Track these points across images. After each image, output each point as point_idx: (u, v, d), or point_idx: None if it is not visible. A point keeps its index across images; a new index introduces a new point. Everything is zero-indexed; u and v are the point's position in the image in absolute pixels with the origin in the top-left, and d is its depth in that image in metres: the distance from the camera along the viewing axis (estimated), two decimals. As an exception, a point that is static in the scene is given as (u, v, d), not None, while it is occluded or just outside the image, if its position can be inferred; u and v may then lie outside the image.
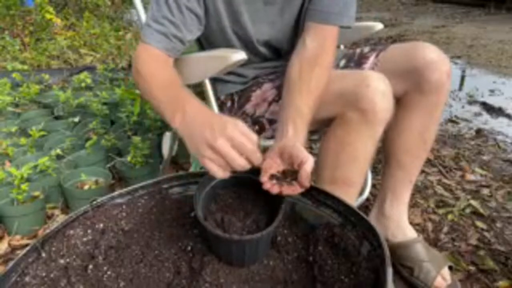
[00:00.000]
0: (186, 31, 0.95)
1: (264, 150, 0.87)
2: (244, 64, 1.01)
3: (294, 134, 0.84)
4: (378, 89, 0.88)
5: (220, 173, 0.66)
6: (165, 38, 0.92)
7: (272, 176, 0.77)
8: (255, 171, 0.80)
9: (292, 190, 0.74)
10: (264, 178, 0.75)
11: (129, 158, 1.61)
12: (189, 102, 0.77)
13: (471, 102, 2.74)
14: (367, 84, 0.88)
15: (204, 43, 1.13)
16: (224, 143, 0.65)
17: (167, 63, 0.94)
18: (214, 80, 1.14)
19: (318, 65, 0.94)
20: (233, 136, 0.65)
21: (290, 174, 0.78)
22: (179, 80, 0.87)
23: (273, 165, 0.80)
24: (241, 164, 0.66)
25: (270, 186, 0.74)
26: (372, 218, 1.23)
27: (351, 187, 0.98)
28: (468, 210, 1.50)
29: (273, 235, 0.79)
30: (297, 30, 1.08)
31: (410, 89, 1.06)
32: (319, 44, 0.97)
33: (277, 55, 1.15)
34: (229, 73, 1.12)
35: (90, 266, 0.73)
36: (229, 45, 1.07)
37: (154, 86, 0.86)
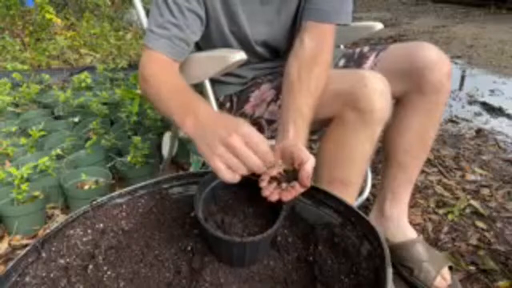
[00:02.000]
0: (190, 33, 0.95)
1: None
2: (242, 65, 1.01)
3: (295, 134, 0.84)
4: (375, 89, 0.88)
5: (228, 175, 0.63)
6: (170, 42, 0.92)
7: (272, 178, 0.77)
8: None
9: (291, 194, 0.73)
10: (263, 184, 0.74)
11: (129, 158, 1.61)
12: (200, 106, 0.75)
13: (471, 102, 2.74)
14: (365, 84, 0.88)
15: (201, 44, 1.13)
16: (239, 139, 0.62)
17: (173, 69, 0.93)
18: (213, 82, 1.14)
19: (317, 65, 0.94)
20: (248, 133, 0.63)
21: (291, 173, 0.78)
22: (187, 86, 0.86)
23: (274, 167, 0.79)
24: (257, 163, 0.62)
25: (269, 193, 0.73)
26: (372, 218, 1.23)
27: (349, 187, 0.98)
28: (468, 210, 1.50)
29: (274, 235, 0.79)
30: (294, 30, 1.08)
31: (410, 89, 1.06)
32: (317, 43, 0.97)
33: (275, 55, 1.15)
34: (228, 74, 1.12)
35: (90, 266, 0.73)
36: (227, 45, 1.07)
37: (163, 92, 0.85)
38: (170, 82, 0.88)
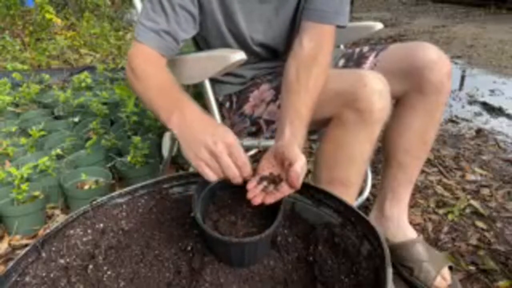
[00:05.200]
0: (180, 30, 0.94)
1: (264, 150, 0.87)
2: (242, 64, 1.00)
3: (291, 135, 0.84)
4: (375, 88, 0.88)
5: (212, 176, 0.69)
6: (158, 36, 0.92)
7: (262, 179, 0.77)
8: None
9: (275, 197, 0.73)
10: (250, 186, 0.74)
11: (129, 158, 1.61)
12: (188, 105, 0.78)
13: (471, 102, 2.74)
14: (364, 83, 0.88)
15: (200, 43, 1.13)
16: (223, 149, 0.69)
17: (161, 64, 0.93)
18: (213, 81, 1.14)
19: (316, 65, 0.94)
20: (232, 144, 0.69)
21: (284, 174, 0.77)
22: (176, 83, 0.86)
23: (267, 166, 0.79)
24: (234, 172, 0.69)
25: (253, 196, 0.73)
26: (372, 218, 1.23)
27: (349, 187, 0.98)
28: (468, 210, 1.50)
29: (273, 235, 0.79)
30: (293, 30, 1.08)
31: (410, 89, 1.06)
32: (317, 44, 0.97)
33: (273, 55, 1.15)
34: (227, 74, 1.12)
35: (90, 266, 0.73)
36: (225, 44, 1.07)
37: (151, 85, 0.86)
38: (158, 76, 0.88)
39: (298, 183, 0.72)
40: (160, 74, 0.89)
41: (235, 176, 0.70)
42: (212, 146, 0.69)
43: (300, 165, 0.73)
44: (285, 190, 0.74)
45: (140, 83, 0.88)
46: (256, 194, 0.74)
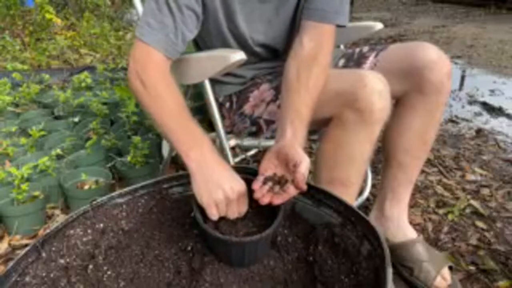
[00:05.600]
0: (187, 31, 0.93)
1: (264, 150, 0.87)
2: (241, 64, 1.00)
3: (292, 135, 0.84)
4: (375, 88, 0.88)
5: (215, 216, 0.75)
6: (166, 38, 0.89)
7: (266, 179, 0.77)
8: (254, 172, 0.80)
9: (283, 198, 0.74)
10: (256, 186, 0.76)
11: (129, 158, 1.61)
12: (207, 145, 0.80)
13: (471, 102, 2.74)
14: (364, 84, 0.88)
15: (200, 43, 1.12)
16: (236, 196, 0.75)
17: (171, 78, 0.90)
18: (212, 82, 1.13)
19: (316, 65, 0.93)
20: (243, 194, 0.76)
21: (288, 175, 0.78)
22: (185, 104, 0.86)
23: (270, 167, 0.80)
24: (234, 213, 0.77)
25: (261, 195, 0.75)
26: (372, 218, 1.23)
27: (349, 187, 0.98)
28: (468, 210, 1.50)
29: (273, 235, 0.79)
30: (293, 30, 1.08)
31: (410, 89, 1.06)
32: (317, 44, 0.97)
33: (273, 55, 1.15)
34: (227, 74, 1.12)
35: (90, 266, 0.73)
36: (225, 44, 1.06)
37: (164, 109, 0.84)
38: (172, 99, 0.85)
39: (304, 185, 0.73)
40: (173, 94, 0.86)
41: (232, 217, 0.77)
42: (229, 191, 0.74)
43: (305, 166, 0.74)
44: (291, 191, 0.75)
45: (155, 103, 0.85)
46: (264, 194, 0.75)
